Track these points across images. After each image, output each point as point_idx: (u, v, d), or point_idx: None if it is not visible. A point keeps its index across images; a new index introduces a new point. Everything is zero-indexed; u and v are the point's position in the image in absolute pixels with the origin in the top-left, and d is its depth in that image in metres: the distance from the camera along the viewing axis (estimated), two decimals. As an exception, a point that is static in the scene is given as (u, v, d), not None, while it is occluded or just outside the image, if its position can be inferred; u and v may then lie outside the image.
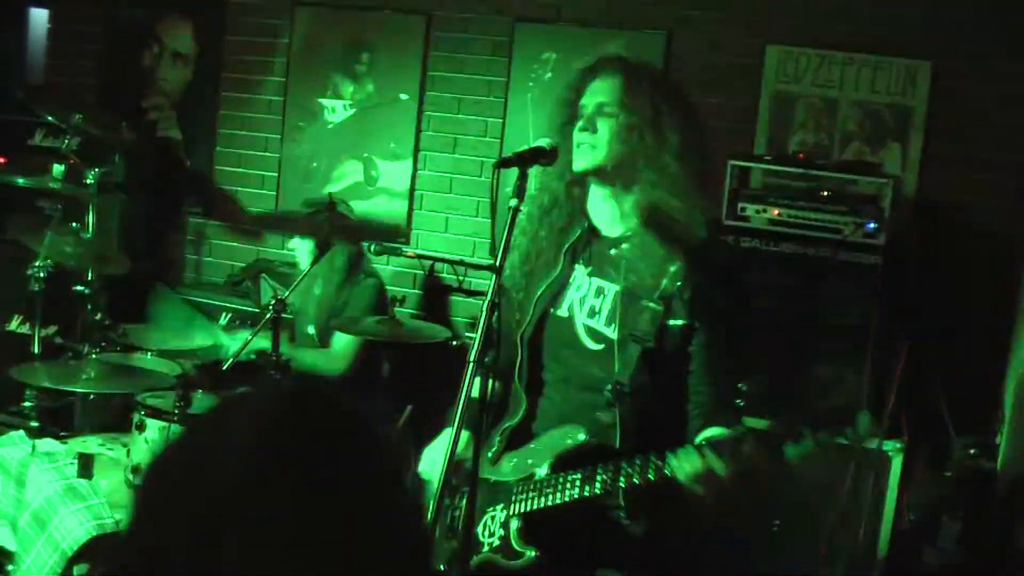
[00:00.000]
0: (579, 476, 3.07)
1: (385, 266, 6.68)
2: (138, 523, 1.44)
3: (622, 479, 3.01)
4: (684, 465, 2.89)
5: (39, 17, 7.74)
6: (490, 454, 3.35)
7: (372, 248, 5.78)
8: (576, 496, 3.06)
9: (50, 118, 6.32)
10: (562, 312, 3.29)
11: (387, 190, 7.04)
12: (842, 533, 5.20)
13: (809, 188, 5.54)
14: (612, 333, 3.21)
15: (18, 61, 7.66)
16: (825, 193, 5.46)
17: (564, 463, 3.15)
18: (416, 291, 6.52)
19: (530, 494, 3.17)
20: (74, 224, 5.60)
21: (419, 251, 6.26)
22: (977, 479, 5.27)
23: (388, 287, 5.91)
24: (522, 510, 3.18)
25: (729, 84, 6.35)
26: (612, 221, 3.31)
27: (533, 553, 3.12)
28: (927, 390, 5.49)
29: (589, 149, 3.22)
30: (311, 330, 5.70)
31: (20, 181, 5.83)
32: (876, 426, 2.96)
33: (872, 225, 5.25)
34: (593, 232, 3.33)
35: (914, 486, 5.28)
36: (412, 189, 7.00)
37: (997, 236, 5.89)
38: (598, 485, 3.04)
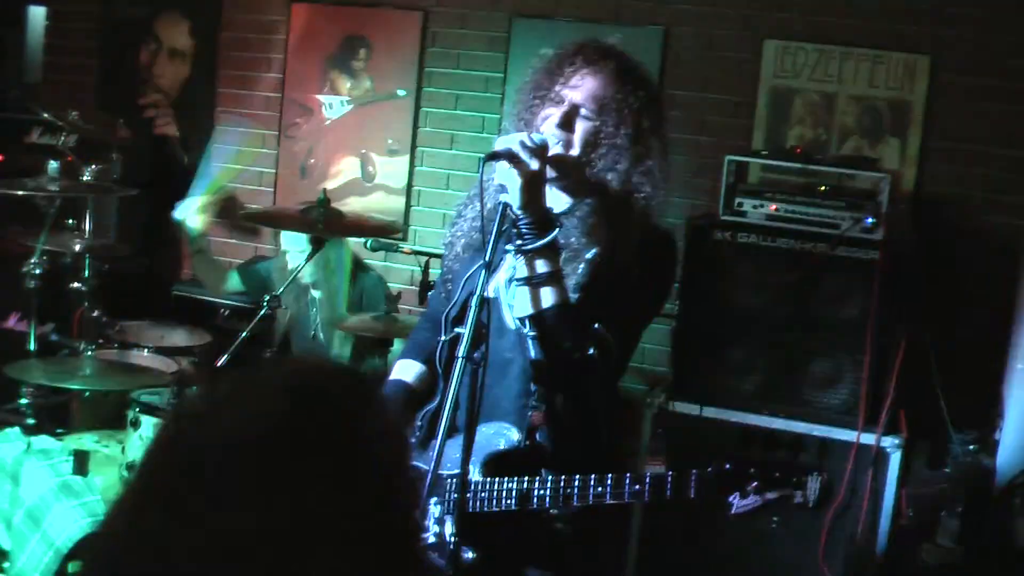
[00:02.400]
0: (515, 487, 3.04)
1: (382, 262, 6.67)
2: (135, 511, 1.43)
3: (560, 500, 3.02)
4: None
5: (37, 14, 7.72)
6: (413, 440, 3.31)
7: (368, 244, 5.77)
8: (512, 508, 3.04)
9: (47, 116, 6.32)
10: (489, 293, 3.13)
11: (384, 186, 7.03)
12: (840, 530, 5.19)
13: (807, 183, 5.54)
14: None
15: (16, 58, 7.65)
16: (823, 188, 5.44)
17: (497, 467, 3.10)
18: (413, 288, 6.50)
19: (462, 494, 3.10)
20: (70, 221, 5.59)
21: (416, 247, 6.24)
22: (976, 476, 5.26)
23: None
24: (452, 510, 3.11)
25: (726, 79, 6.34)
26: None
27: (471, 553, 3.06)
28: (926, 386, 5.48)
29: (561, 147, 3.14)
30: (320, 334, 5.69)
31: (16, 179, 5.81)
32: (826, 491, 2.90)
33: (870, 220, 5.23)
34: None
35: (912, 483, 5.26)
36: (409, 185, 6.99)
37: (996, 231, 5.88)
38: (535, 500, 3.03)
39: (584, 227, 3.13)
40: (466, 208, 3.40)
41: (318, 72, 7.18)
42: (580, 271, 3.09)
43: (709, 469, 2.91)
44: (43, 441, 4.65)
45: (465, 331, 2.81)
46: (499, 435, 3.14)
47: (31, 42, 7.59)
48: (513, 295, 3.16)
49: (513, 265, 3.17)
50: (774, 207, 5.37)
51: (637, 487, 2.94)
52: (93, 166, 5.50)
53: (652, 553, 5.41)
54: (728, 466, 2.91)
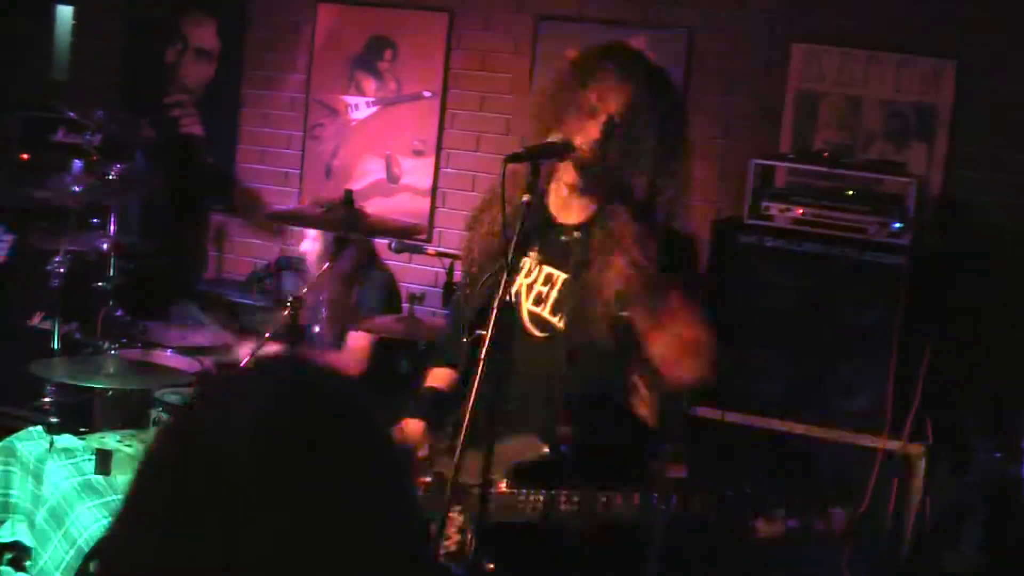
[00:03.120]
0: (541, 498, 3.05)
1: (407, 264, 6.66)
2: (134, 516, 1.42)
3: (585, 512, 3.02)
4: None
5: (64, 14, 7.76)
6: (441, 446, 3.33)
7: (393, 246, 5.76)
8: (537, 520, 3.05)
9: (72, 115, 6.33)
10: (508, 297, 3.14)
11: (410, 187, 7.03)
12: (863, 537, 5.16)
13: (833, 187, 5.50)
14: (558, 322, 3.18)
15: (42, 57, 7.68)
16: (849, 192, 5.41)
17: (523, 476, 3.10)
18: (437, 289, 6.49)
19: (491, 505, 3.08)
20: (95, 220, 5.60)
21: (440, 249, 6.23)
22: (1000, 484, 5.22)
23: (408, 285, 5.89)
24: (479, 522, 3.09)
25: (753, 83, 6.31)
26: (568, 209, 3.28)
27: (492, 565, 3.07)
28: (951, 393, 5.44)
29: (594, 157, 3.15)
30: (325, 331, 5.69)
31: (41, 177, 5.83)
32: (853, 520, 2.88)
33: (897, 225, 5.21)
34: (547, 220, 3.28)
35: (936, 490, 5.23)
36: (434, 187, 6.99)
37: (1023, 236, 5.84)
38: (559, 511, 3.04)
39: (612, 236, 3.13)
40: (483, 213, 3.38)
41: (343, 73, 7.18)
42: (615, 281, 3.10)
43: (728, 492, 2.95)
44: (66, 440, 4.66)
45: (487, 333, 2.80)
46: (529, 448, 3.14)
47: (58, 41, 7.64)
48: (533, 301, 3.17)
49: (535, 271, 3.18)
50: (800, 211, 5.34)
51: (663, 507, 2.96)
52: (117, 165, 5.51)
53: (673, 553, 5.38)
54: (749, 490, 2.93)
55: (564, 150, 3.05)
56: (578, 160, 3.10)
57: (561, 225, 3.27)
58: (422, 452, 3.33)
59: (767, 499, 2.89)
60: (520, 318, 3.23)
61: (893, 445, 5.11)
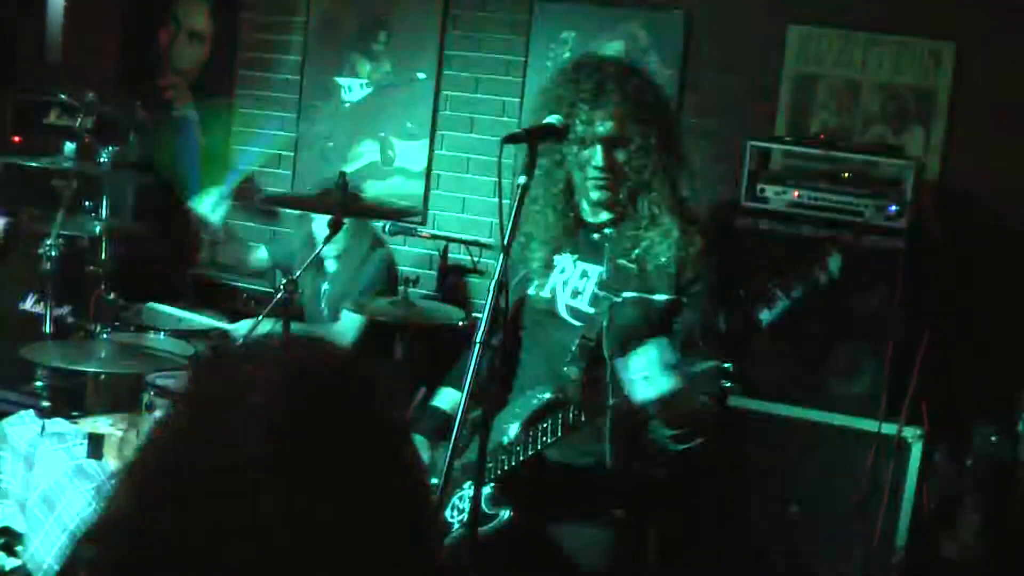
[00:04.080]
0: (547, 425, 3.12)
1: (401, 247, 6.63)
2: (141, 496, 1.40)
3: (582, 412, 3.09)
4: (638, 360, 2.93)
5: (57, -5, 7.73)
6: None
7: (387, 228, 5.74)
8: (544, 445, 3.11)
9: (64, 97, 6.30)
10: (545, 293, 3.36)
11: (404, 170, 7.00)
12: (860, 521, 5.15)
13: (830, 170, 5.47)
14: (595, 313, 3.27)
15: (36, 39, 7.64)
16: (846, 175, 5.38)
17: (531, 421, 3.19)
18: (431, 272, 6.47)
19: (500, 459, 3.18)
20: (87, 203, 5.57)
21: (435, 231, 6.20)
22: (998, 468, 5.21)
23: (402, 268, 5.87)
24: (492, 476, 3.19)
25: (750, 64, 6.27)
26: (596, 210, 3.40)
27: (507, 513, 3.13)
28: (949, 377, 5.43)
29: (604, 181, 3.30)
30: (324, 309, 5.67)
31: (33, 161, 5.79)
32: (845, 262, 2.87)
33: (894, 208, 5.19)
34: (579, 220, 3.41)
35: (933, 475, 5.21)
36: (429, 169, 6.96)
37: (1021, 222, 5.82)
38: (562, 427, 3.10)
39: (641, 227, 3.28)
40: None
41: (338, 54, 7.14)
42: (648, 269, 3.23)
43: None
44: (58, 424, 4.63)
45: (482, 316, 2.80)
46: (531, 398, 3.25)
47: (51, 22, 7.59)
48: (570, 295, 3.32)
49: (570, 268, 3.34)
50: (796, 194, 5.33)
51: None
52: (110, 148, 5.48)
53: (671, 544, 5.36)
54: (742, 292, 2.98)
55: (561, 131, 3.06)
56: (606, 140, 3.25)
57: (591, 223, 3.40)
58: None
59: (763, 293, 2.98)
60: (557, 312, 3.35)
61: (889, 429, 5.10)
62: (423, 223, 6.77)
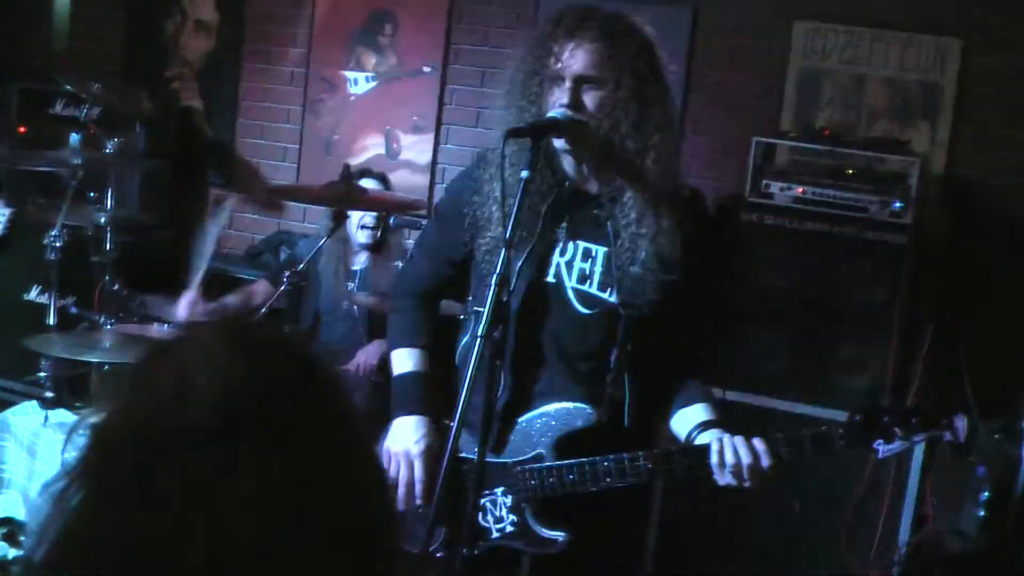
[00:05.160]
0: (611, 467, 3.03)
1: (406, 240, 6.62)
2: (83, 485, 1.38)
3: (650, 471, 3.02)
4: (728, 455, 2.92)
5: (63, -15, 7.72)
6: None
7: (392, 221, 5.74)
8: (608, 487, 3.03)
9: (69, 88, 6.29)
10: (550, 278, 3.16)
11: (409, 163, 7.00)
12: (862, 518, 5.14)
13: (835, 166, 5.47)
14: (609, 297, 3.11)
15: (42, 28, 7.64)
16: (851, 171, 5.38)
17: (572, 445, 3.09)
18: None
19: (545, 477, 3.08)
20: (92, 193, 5.57)
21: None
22: (1001, 464, 5.20)
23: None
24: (538, 494, 3.10)
25: (756, 60, 6.27)
26: (588, 181, 3.18)
27: (563, 535, 3.07)
28: (952, 373, 5.42)
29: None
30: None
31: (38, 150, 5.79)
32: (976, 430, 2.91)
33: (899, 204, 5.18)
34: (574, 193, 3.19)
35: (937, 470, 5.21)
36: (434, 163, 6.96)
37: (1026, 217, 5.82)
38: (626, 476, 3.02)
39: (641, 201, 3.10)
40: (487, 184, 3.28)
41: (344, 47, 7.14)
42: (655, 246, 3.08)
43: (856, 418, 2.94)
44: (60, 415, 4.64)
45: (484, 310, 2.77)
46: (572, 414, 3.12)
47: (58, 12, 7.59)
48: (577, 280, 3.15)
49: (570, 248, 3.16)
50: (801, 189, 5.32)
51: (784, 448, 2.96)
52: (115, 138, 5.47)
53: (672, 542, 5.37)
54: (858, 418, 2.93)
55: (566, 125, 2.99)
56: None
57: (588, 197, 3.18)
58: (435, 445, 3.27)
59: (883, 423, 2.91)
60: (565, 298, 3.17)
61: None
62: (428, 216, 6.76)
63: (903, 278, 5.10)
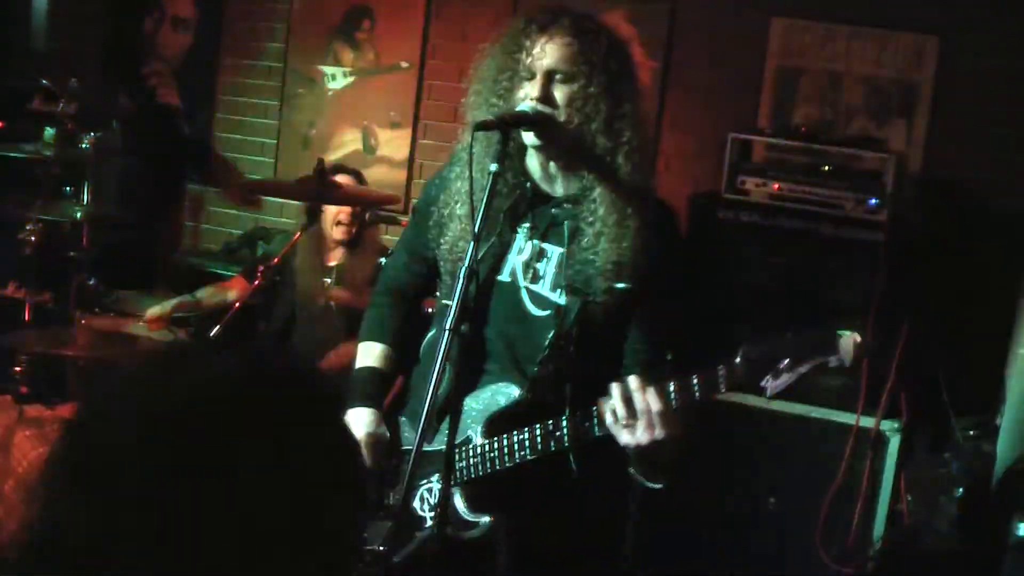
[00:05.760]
0: (525, 438, 3.01)
1: (381, 236, 6.62)
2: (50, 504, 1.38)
3: (566, 439, 2.95)
4: (619, 408, 2.83)
5: (42, -20, 7.70)
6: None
7: (367, 217, 5.73)
8: (522, 459, 3.00)
9: (46, 83, 6.28)
10: (504, 277, 3.15)
11: (386, 159, 6.99)
12: (837, 514, 5.16)
13: (811, 163, 5.47)
14: (558, 298, 3.09)
15: (21, 24, 7.61)
16: (826, 168, 5.38)
17: (500, 425, 3.06)
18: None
19: (471, 461, 3.07)
20: (68, 189, 5.56)
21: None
22: (975, 461, 5.22)
23: (382, 258, 5.88)
24: (464, 479, 3.08)
25: (733, 57, 6.28)
26: (554, 181, 3.17)
27: (488, 519, 3.05)
28: (928, 370, 5.43)
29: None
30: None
31: (13, 145, 5.78)
32: (862, 347, 2.75)
33: (874, 201, 5.19)
34: (535, 193, 3.18)
35: (912, 467, 5.22)
36: (411, 159, 6.95)
37: (1002, 215, 5.83)
38: (541, 446, 2.98)
39: (602, 207, 3.07)
40: (454, 182, 3.29)
41: (321, 42, 7.13)
42: (610, 253, 3.04)
43: (738, 359, 2.81)
44: (35, 410, 4.62)
45: (452, 303, 2.76)
46: (499, 393, 3.11)
47: (36, 8, 7.56)
48: (530, 279, 3.14)
49: (527, 248, 3.15)
50: (777, 186, 5.33)
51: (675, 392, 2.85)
52: (92, 134, 5.46)
53: (649, 537, 5.37)
54: (753, 355, 2.80)
55: (534, 119, 2.99)
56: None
57: (549, 198, 3.17)
58: (381, 439, 3.27)
59: (773, 359, 2.78)
60: (519, 297, 3.15)
61: (867, 423, 5.11)
62: (405, 212, 6.76)
63: (879, 275, 5.11)
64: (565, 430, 2.95)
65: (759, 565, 5.27)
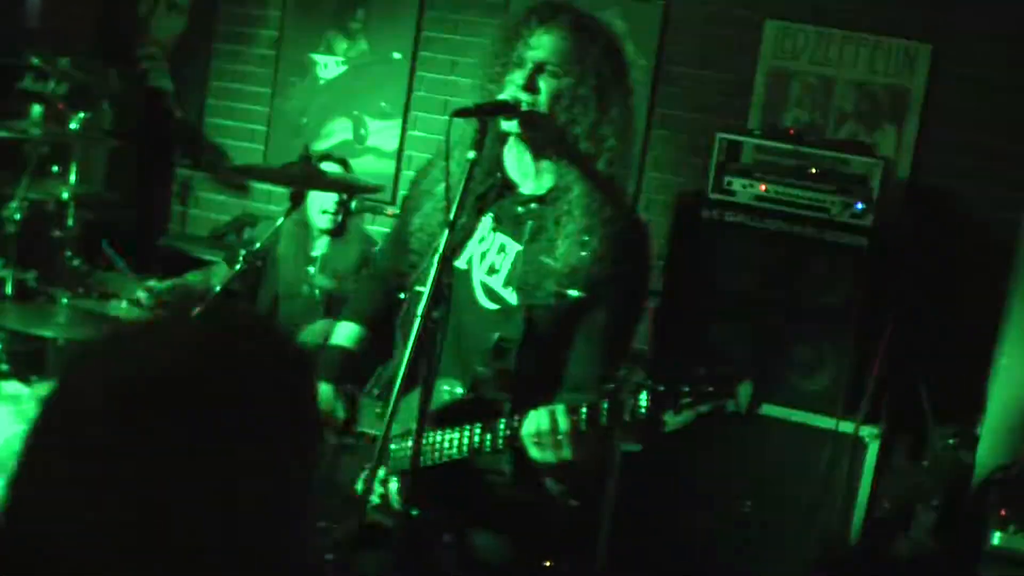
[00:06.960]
0: (457, 436, 3.00)
1: (369, 225, 6.62)
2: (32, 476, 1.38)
3: (500, 440, 2.94)
4: (530, 425, 2.83)
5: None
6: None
7: (353, 205, 5.73)
8: (455, 456, 3.00)
9: (36, 62, 6.26)
10: (460, 264, 3.15)
11: (376, 149, 6.99)
12: (813, 518, 5.15)
13: (799, 165, 5.46)
14: (509, 296, 3.09)
15: (15, 3, 7.60)
16: (813, 171, 5.37)
17: (441, 419, 3.05)
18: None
19: (409, 452, 3.01)
20: (55, 168, 5.55)
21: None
22: (954, 470, 5.22)
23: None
24: (401, 468, 3.08)
25: (725, 58, 6.27)
26: (526, 177, 3.18)
27: (415, 512, 3.02)
28: (909, 377, 5.43)
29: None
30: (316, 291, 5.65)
31: (1, 123, 5.77)
32: (757, 397, 2.75)
33: (860, 206, 5.19)
34: (506, 185, 3.20)
35: (890, 474, 5.22)
36: (401, 149, 6.94)
37: (988, 224, 5.83)
38: (476, 445, 2.98)
39: (566, 212, 3.06)
40: (433, 169, 3.31)
41: (315, 31, 7.11)
42: (567, 259, 3.03)
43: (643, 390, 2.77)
44: (12, 386, 4.61)
45: (424, 290, 2.76)
46: (442, 390, 3.09)
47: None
48: (486, 271, 3.14)
49: (489, 239, 3.14)
50: (763, 187, 5.32)
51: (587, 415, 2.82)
52: (81, 114, 5.46)
53: (625, 540, 5.37)
54: (661, 388, 2.75)
55: (513, 108, 2.99)
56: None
57: (519, 194, 3.18)
58: (332, 416, 3.28)
59: (675, 393, 2.74)
60: (471, 287, 3.16)
61: (847, 428, 5.11)
62: (392, 203, 6.76)
63: (862, 280, 5.11)
64: (501, 432, 2.94)
65: (734, 569, 5.27)
